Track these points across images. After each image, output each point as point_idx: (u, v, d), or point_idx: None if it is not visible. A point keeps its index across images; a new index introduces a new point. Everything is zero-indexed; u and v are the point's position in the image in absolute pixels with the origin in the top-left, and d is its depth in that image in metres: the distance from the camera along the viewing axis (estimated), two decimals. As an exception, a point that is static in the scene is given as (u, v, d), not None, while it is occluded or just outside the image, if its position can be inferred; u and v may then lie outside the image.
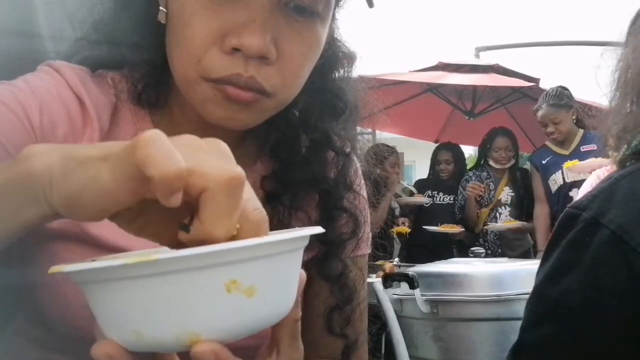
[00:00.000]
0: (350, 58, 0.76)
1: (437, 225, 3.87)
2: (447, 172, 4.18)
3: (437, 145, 4.51)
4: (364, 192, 0.81)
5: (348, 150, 0.77)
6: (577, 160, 3.11)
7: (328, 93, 0.73)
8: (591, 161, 2.76)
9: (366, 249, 0.80)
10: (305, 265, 0.73)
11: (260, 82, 0.59)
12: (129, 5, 0.65)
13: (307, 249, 0.69)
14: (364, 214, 0.79)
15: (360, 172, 0.82)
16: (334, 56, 0.74)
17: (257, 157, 0.75)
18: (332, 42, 0.73)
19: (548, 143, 3.42)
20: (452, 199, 4.09)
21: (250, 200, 0.39)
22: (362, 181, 0.81)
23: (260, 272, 0.37)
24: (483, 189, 3.78)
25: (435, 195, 4.16)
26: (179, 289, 0.35)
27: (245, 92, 0.59)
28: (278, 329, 0.46)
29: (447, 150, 4.27)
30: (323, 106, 0.73)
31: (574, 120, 3.26)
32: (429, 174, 4.31)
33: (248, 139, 0.73)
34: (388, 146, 3.88)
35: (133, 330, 0.37)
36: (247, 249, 0.36)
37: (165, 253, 0.35)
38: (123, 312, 0.37)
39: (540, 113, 3.28)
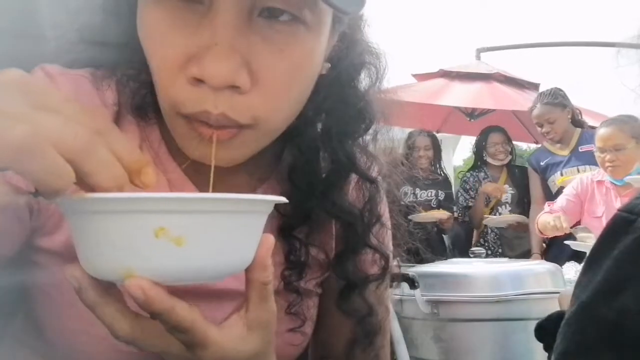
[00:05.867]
0: (378, 63, 0.65)
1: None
2: (427, 159, 3.78)
3: (411, 130, 3.85)
4: (389, 224, 0.73)
5: (375, 174, 0.68)
6: (575, 167, 3.15)
7: (350, 106, 0.63)
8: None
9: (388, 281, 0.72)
10: (323, 298, 0.70)
11: (233, 119, 0.49)
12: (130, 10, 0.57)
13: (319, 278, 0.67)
14: (390, 248, 0.71)
15: (385, 200, 0.73)
16: (355, 63, 0.63)
17: (261, 180, 0.65)
18: (351, 46, 0.62)
19: (546, 143, 3.40)
20: (431, 194, 3.82)
21: (119, 143, 0.39)
22: (387, 210, 0.73)
23: (190, 224, 0.39)
24: (502, 191, 3.68)
25: (412, 192, 3.79)
26: (114, 227, 0.39)
27: (219, 130, 0.50)
28: (247, 289, 0.46)
29: (425, 136, 3.83)
30: (344, 122, 0.63)
31: (570, 120, 3.25)
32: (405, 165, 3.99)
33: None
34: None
35: (86, 258, 0.41)
36: (172, 201, 0.39)
37: (98, 194, 0.38)
38: (80, 242, 0.42)
39: (535, 113, 3.27)
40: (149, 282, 0.39)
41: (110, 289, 0.43)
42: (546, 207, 2.79)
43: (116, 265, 0.40)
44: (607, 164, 2.58)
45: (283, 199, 0.45)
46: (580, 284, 0.58)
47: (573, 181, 2.77)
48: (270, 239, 0.46)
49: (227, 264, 0.43)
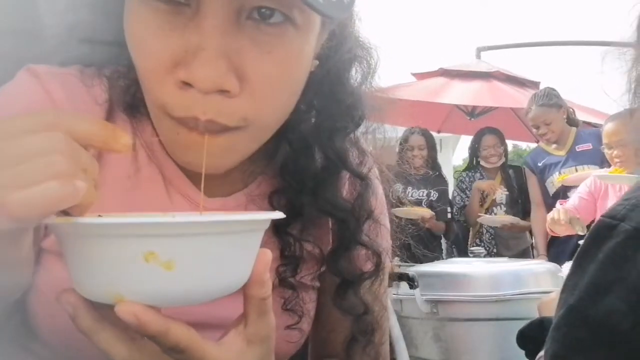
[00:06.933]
0: (369, 57, 0.65)
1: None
2: (421, 159, 3.73)
3: (406, 129, 3.81)
4: (386, 221, 0.72)
5: (366, 171, 0.68)
6: (572, 167, 3.14)
7: (339, 103, 0.63)
8: (580, 175, 2.91)
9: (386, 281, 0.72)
10: (321, 296, 0.69)
11: (222, 123, 0.49)
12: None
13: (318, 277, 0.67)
14: (384, 245, 0.71)
15: (382, 196, 0.73)
16: (344, 59, 0.63)
17: (254, 174, 0.65)
18: (340, 42, 0.61)
19: (542, 144, 3.39)
20: (423, 193, 3.74)
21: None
22: (385, 207, 0.73)
23: (180, 248, 0.38)
24: (495, 188, 3.72)
25: (404, 189, 3.66)
26: (102, 251, 0.38)
27: (210, 135, 0.50)
28: (245, 304, 0.45)
29: (420, 135, 3.76)
30: (333, 119, 0.63)
31: (565, 119, 3.25)
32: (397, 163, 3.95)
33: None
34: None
35: (78, 281, 0.41)
36: (161, 225, 0.38)
37: (85, 218, 0.38)
38: (71, 265, 0.41)
39: (530, 115, 3.26)
40: (141, 306, 0.39)
41: (105, 313, 0.42)
42: (558, 206, 2.76)
43: (106, 289, 0.39)
44: (615, 160, 2.57)
45: (279, 214, 0.44)
46: (566, 287, 0.58)
47: (587, 179, 2.75)
48: (268, 254, 0.45)
49: (220, 285, 0.42)
